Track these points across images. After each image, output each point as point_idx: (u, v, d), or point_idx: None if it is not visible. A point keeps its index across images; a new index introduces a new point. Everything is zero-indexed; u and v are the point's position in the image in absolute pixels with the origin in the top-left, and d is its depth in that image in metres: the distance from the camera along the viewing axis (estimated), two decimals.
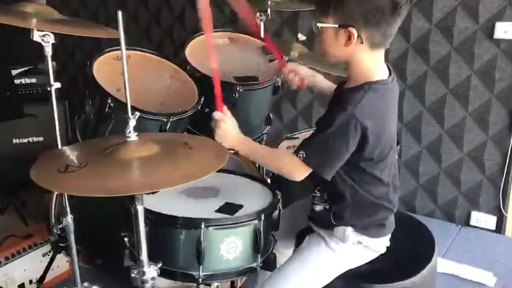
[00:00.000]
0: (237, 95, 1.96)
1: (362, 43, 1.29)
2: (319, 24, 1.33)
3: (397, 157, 2.02)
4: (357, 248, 1.46)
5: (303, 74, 1.70)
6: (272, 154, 1.53)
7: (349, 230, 1.43)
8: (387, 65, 1.41)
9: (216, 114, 1.44)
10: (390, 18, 1.27)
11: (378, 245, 1.48)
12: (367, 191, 1.41)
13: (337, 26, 1.29)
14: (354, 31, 1.27)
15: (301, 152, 1.34)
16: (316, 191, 1.50)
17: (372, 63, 1.34)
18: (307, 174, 1.36)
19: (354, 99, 1.28)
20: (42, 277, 2.18)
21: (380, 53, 1.35)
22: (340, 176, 1.39)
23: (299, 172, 1.36)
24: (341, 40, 1.30)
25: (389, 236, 1.51)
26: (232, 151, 2.18)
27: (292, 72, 1.70)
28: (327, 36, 1.33)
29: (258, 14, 2.37)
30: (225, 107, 1.45)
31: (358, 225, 1.44)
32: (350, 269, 1.49)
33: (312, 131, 1.39)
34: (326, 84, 1.67)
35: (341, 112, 1.28)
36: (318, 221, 1.52)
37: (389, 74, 1.39)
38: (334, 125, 1.28)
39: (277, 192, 1.63)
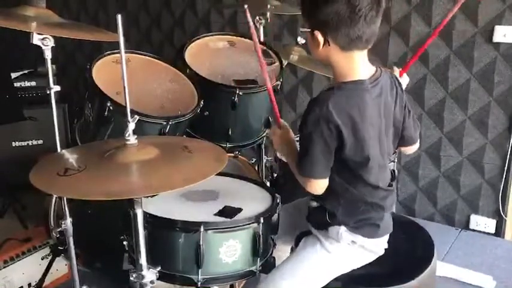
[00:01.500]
0: (236, 98, 1.96)
1: (329, 45, 1.33)
2: (300, 29, 1.43)
3: (396, 161, 2.03)
4: (352, 248, 1.46)
5: None
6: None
7: (342, 229, 1.44)
8: (379, 68, 1.41)
9: (273, 128, 1.52)
10: (350, 21, 1.28)
11: (374, 246, 1.48)
12: (358, 190, 1.42)
13: (309, 30, 1.36)
14: (318, 35, 1.33)
15: (301, 170, 1.40)
16: None
17: (346, 64, 1.36)
18: (318, 186, 1.40)
19: (322, 99, 1.33)
20: (41, 280, 2.18)
21: (355, 54, 1.35)
22: (331, 174, 1.40)
23: (309, 188, 1.41)
24: (315, 43, 1.35)
25: (386, 237, 1.51)
26: (232, 154, 2.20)
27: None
28: (308, 40, 1.40)
29: (257, 18, 2.38)
30: (282, 121, 1.52)
31: (351, 224, 1.44)
32: (349, 272, 1.48)
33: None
34: None
35: (311, 114, 1.33)
36: (314, 221, 1.52)
37: (375, 76, 1.38)
38: (307, 130, 1.34)
39: (277, 195, 1.63)
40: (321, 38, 1.33)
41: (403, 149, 1.60)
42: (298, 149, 1.43)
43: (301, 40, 2.31)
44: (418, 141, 1.59)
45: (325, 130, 1.31)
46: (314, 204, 1.51)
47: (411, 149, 1.60)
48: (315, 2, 1.31)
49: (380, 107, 1.39)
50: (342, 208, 1.43)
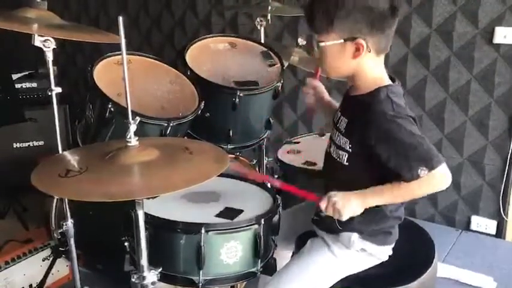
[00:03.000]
0: (237, 99, 1.96)
1: (370, 51, 1.30)
2: (323, 44, 1.31)
3: None
4: (360, 255, 1.45)
5: (322, 94, 1.67)
6: (404, 192, 1.32)
7: (355, 236, 1.43)
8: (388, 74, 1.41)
9: (323, 202, 1.35)
10: (391, 21, 1.29)
11: (382, 253, 1.48)
12: None
13: (342, 40, 1.29)
14: (363, 42, 1.28)
15: (418, 170, 1.25)
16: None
17: (379, 69, 1.36)
18: (446, 175, 1.27)
19: (385, 103, 1.28)
20: (42, 282, 2.18)
21: (382, 58, 1.36)
22: (356, 182, 1.35)
23: (442, 182, 1.28)
24: (348, 53, 1.30)
25: (393, 244, 1.50)
26: (233, 155, 2.20)
27: (314, 89, 1.66)
28: (332, 53, 1.32)
29: (258, 19, 2.38)
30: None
31: (365, 232, 1.43)
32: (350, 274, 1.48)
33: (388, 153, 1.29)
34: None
35: (387, 116, 1.26)
36: (323, 225, 1.51)
37: (393, 81, 1.39)
38: (395, 127, 1.26)
39: (278, 196, 1.63)
40: (364, 45, 1.27)
41: None
42: (406, 155, 1.26)
43: (301, 41, 2.31)
44: None
45: (409, 124, 1.27)
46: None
47: None
48: (356, 6, 1.24)
49: None
50: (359, 216, 1.36)
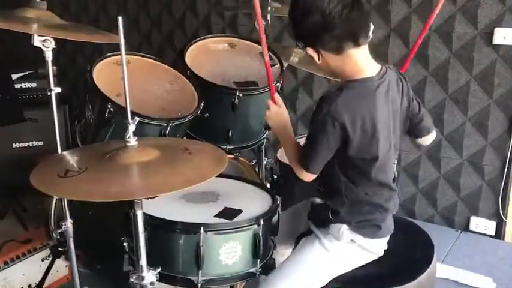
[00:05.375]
0: (236, 100, 1.96)
1: (322, 56, 1.37)
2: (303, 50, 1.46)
3: (396, 163, 2.03)
4: (351, 247, 1.47)
5: None
6: (291, 155, 1.53)
7: (344, 227, 1.45)
8: (384, 66, 1.41)
9: (270, 102, 1.55)
10: (328, 26, 1.31)
11: (373, 246, 1.48)
12: (363, 190, 1.43)
13: (304, 49, 1.41)
14: (310, 50, 1.38)
15: (302, 160, 1.44)
16: (318, 186, 1.53)
17: (347, 64, 1.37)
18: (308, 178, 1.45)
19: (330, 98, 1.34)
20: (41, 282, 2.18)
21: (351, 53, 1.35)
22: (336, 173, 1.42)
23: (300, 176, 1.46)
24: (315, 58, 1.39)
25: (386, 238, 1.51)
26: (232, 156, 2.20)
27: None
28: (310, 57, 1.42)
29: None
30: (276, 95, 1.57)
31: (353, 224, 1.45)
32: (348, 273, 1.48)
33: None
34: None
35: (318, 112, 1.35)
36: (316, 218, 1.53)
37: (381, 72, 1.39)
38: (313, 125, 1.38)
39: (277, 197, 1.64)
40: (313, 52, 1.37)
41: (422, 140, 1.60)
42: (304, 145, 1.44)
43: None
44: (434, 128, 1.59)
45: (329, 128, 1.33)
46: (318, 201, 1.53)
47: (429, 139, 1.60)
48: (295, 22, 1.36)
49: (388, 104, 1.39)
50: (346, 207, 1.44)
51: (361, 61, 1.37)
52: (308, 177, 1.44)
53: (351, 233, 1.45)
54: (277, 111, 1.53)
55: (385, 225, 1.49)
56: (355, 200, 1.44)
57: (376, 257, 1.50)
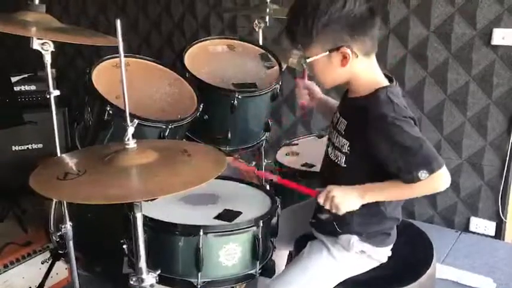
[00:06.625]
0: (235, 102, 1.96)
1: (357, 56, 1.29)
2: (309, 60, 1.32)
3: None
4: (360, 257, 1.45)
5: (317, 94, 1.68)
6: (403, 192, 1.34)
7: (354, 238, 1.43)
8: (384, 73, 1.41)
9: (321, 196, 1.35)
10: (371, 22, 1.29)
11: (381, 255, 1.48)
12: (382, 203, 1.39)
13: (327, 52, 1.29)
14: (347, 49, 1.27)
15: (419, 173, 1.25)
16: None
17: (373, 70, 1.36)
18: (446, 177, 1.28)
19: (385, 107, 1.27)
20: (41, 284, 2.18)
21: (374, 58, 1.36)
22: (353, 183, 1.35)
23: (441, 185, 1.28)
24: (336, 63, 1.30)
25: (392, 245, 1.50)
26: (231, 157, 2.20)
27: (306, 89, 1.68)
28: (320, 66, 1.33)
29: (256, 21, 2.38)
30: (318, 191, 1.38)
31: (364, 234, 1.43)
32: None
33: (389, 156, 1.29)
34: (335, 103, 1.64)
35: (388, 118, 1.25)
36: (322, 228, 1.51)
37: (391, 81, 1.39)
38: (401, 134, 1.25)
39: (276, 198, 1.64)
40: (349, 52, 1.27)
41: None
42: (405, 159, 1.26)
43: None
44: None
45: (410, 124, 1.26)
46: (323, 216, 1.45)
47: None
48: (332, 17, 1.24)
49: None
50: (358, 218, 1.38)
51: (378, 67, 1.36)
52: (448, 174, 1.27)
53: (361, 243, 1.43)
54: (341, 194, 1.33)
55: (393, 232, 1.49)
56: (369, 211, 1.37)
57: (380, 264, 1.49)
